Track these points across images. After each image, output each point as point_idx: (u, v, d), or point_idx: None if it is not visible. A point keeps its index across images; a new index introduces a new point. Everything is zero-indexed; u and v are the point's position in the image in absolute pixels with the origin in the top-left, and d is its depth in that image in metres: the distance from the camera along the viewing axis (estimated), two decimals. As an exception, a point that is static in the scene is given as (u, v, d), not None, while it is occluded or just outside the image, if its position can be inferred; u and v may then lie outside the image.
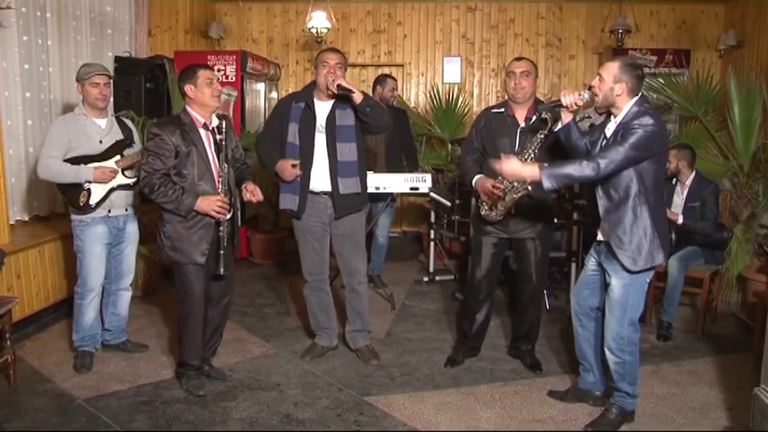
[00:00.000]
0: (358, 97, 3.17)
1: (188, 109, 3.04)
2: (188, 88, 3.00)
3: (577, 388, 3.07)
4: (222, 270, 3.03)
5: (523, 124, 3.22)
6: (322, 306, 3.57)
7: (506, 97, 3.35)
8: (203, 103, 3.01)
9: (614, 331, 2.74)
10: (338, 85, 3.16)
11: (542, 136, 3.07)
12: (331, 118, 3.30)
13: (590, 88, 2.72)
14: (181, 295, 3.07)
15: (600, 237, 2.81)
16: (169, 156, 2.93)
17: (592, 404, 3.00)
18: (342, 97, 3.24)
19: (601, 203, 2.72)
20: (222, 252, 3.02)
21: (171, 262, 3.05)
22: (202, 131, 3.01)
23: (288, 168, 3.29)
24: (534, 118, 3.16)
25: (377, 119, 3.24)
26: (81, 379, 3.25)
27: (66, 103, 4.53)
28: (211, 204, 2.93)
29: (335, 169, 3.29)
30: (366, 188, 3.47)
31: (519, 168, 2.68)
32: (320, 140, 3.32)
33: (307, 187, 3.34)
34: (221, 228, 3.01)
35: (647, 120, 2.54)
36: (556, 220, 4.63)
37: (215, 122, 3.05)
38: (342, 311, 3.67)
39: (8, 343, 3.14)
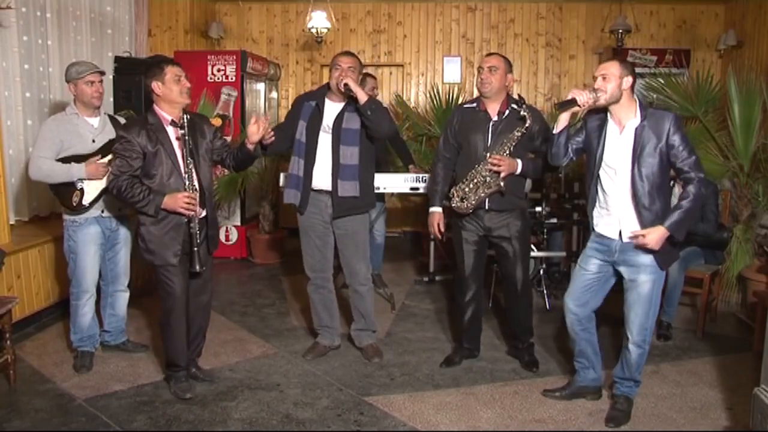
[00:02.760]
0: (362, 98, 3.18)
1: (155, 108, 2.95)
2: (155, 86, 2.90)
3: (575, 385, 3.07)
4: (197, 267, 2.95)
5: (495, 118, 3.25)
6: (324, 304, 3.57)
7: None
8: (171, 100, 2.92)
9: (641, 326, 2.81)
10: (345, 84, 3.19)
11: (519, 133, 3.16)
12: (338, 119, 3.31)
13: (595, 90, 2.70)
14: (162, 293, 3.02)
15: (610, 234, 2.79)
16: (136, 158, 2.87)
17: (590, 399, 3.03)
18: (352, 100, 3.25)
19: (645, 200, 2.70)
20: (196, 249, 2.94)
21: (148, 263, 3.03)
22: (169, 129, 2.93)
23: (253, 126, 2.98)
24: (507, 112, 3.23)
25: (377, 124, 3.22)
26: (81, 379, 3.25)
27: (67, 104, 4.51)
28: (178, 201, 2.86)
29: (336, 170, 3.30)
30: (368, 192, 3.43)
31: (657, 238, 2.63)
32: (324, 140, 3.33)
33: (309, 183, 3.36)
34: (192, 225, 2.93)
35: (674, 118, 2.67)
36: (556, 220, 4.68)
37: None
38: (348, 310, 3.67)
39: (8, 343, 3.14)
